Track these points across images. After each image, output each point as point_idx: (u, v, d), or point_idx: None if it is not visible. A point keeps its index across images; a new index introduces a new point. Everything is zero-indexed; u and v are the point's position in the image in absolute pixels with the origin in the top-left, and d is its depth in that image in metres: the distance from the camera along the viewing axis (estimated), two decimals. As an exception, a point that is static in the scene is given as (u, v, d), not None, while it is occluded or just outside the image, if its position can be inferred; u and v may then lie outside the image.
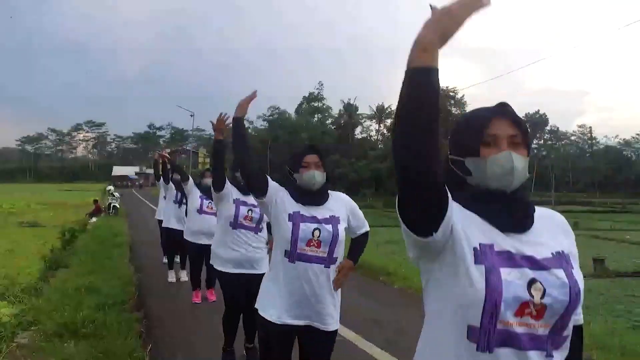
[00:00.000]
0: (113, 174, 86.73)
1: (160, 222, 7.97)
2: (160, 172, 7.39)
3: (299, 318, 2.40)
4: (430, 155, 1.00)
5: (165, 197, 7.52)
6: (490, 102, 1.27)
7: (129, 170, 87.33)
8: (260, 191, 2.47)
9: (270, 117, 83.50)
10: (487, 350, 1.10)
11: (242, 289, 3.61)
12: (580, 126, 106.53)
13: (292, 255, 2.39)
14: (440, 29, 0.99)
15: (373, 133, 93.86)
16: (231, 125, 2.66)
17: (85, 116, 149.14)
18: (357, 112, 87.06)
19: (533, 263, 1.14)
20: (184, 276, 7.04)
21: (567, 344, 1.18)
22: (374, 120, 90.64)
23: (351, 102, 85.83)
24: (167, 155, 6.96)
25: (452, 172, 1.27)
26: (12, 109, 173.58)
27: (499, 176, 1.18)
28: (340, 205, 2.57)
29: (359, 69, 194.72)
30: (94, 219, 18.07)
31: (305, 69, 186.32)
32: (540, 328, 1.11)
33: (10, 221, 20.67)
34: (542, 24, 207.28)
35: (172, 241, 7.05)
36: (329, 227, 2.43)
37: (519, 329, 1.10)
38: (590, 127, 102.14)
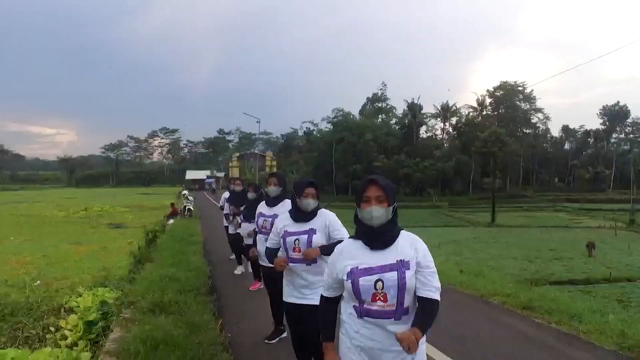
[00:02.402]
0: (186, 177, 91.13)
1: (227, 226, 9.15)
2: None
3: (298, 299, 3.46)
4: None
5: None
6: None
7: (201, 174, 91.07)
8: None
9: (335, 119, 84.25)
10: (360, 318, 2.19)
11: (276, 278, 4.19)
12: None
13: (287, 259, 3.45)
14: None
15: (438, 132, 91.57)
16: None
17: (160, 123, 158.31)
18: (422, 111, 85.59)
19: (382, 268, 2.15)
20: (239, 269, 8.37)
21: (411, 312, 2.17)
22: (438, 119, 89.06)
23: (415, 101, 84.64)
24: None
25: (356, 214, 2.28)
26: (96, 119, 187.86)
27: (366, 220, 2.21)
28: (320, 220, 3.48)
29: (423, 68, 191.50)
30: (171, 221, 19.68)
31: (369, 70, 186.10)
32: (388, 307, 2.13)
33: (100, 223, 23.16)
34: (619, 9, 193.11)
35: (232, 242, 8.42)
36: (305, 237, 3.41)
37: (375, 307, 2.14)
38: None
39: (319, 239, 3.40)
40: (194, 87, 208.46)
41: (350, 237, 2.38)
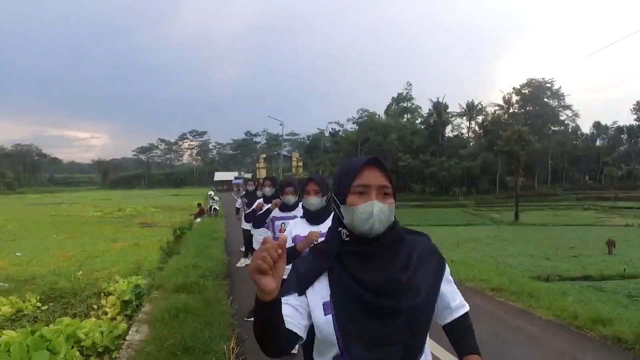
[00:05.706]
0: (215, 179, 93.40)
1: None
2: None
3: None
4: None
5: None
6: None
7: (229, 176, 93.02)
8: None
9: (360, 120, 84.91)
10: None
11: None
12: None
13: None
14: None
15: (464, 130, 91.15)
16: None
17: (190, 126, 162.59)
18: (447, 111, 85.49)
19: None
20: (243, 262, 9.17)
21: None
22: (464, 118, 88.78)
23: (440, 100, 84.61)
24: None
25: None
26: (128, 123, 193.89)
27: (307, 206, 3.13)
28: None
29: (448, 67, 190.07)
30: (198, 220, 20.88)
31: (394, 70, 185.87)
32: None
33: (133, 222, 24.76)
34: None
35: (245, 237, 9.11)
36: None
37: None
38: None
39: None
40: (223, 90, 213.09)
41: (299, 217, 3.25)
